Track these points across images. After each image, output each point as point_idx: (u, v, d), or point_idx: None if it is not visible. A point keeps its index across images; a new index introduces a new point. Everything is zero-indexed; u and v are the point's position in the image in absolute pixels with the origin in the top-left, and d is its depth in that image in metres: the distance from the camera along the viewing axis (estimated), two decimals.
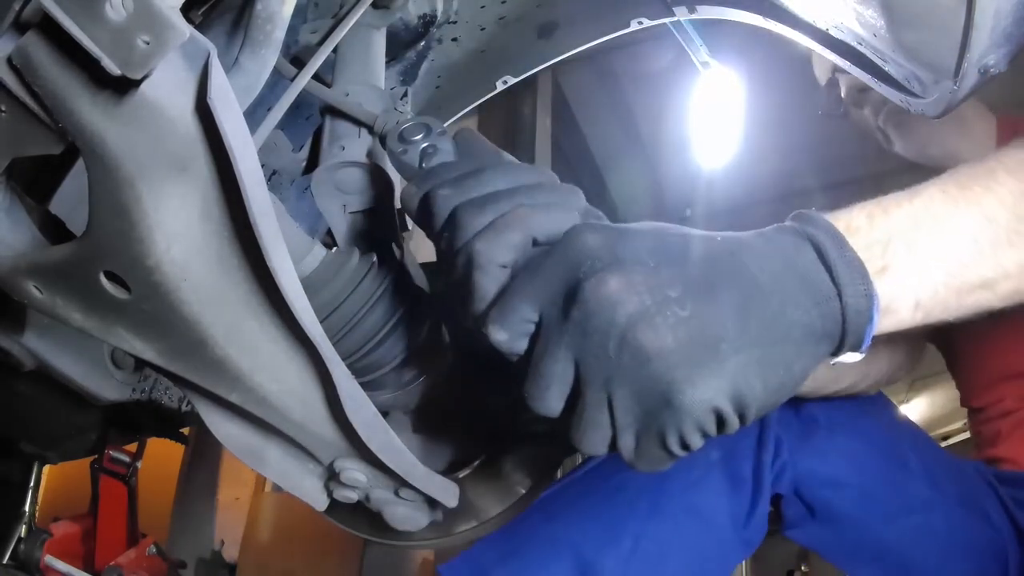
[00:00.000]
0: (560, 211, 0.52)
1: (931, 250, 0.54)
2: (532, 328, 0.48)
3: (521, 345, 0.48)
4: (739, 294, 0.46)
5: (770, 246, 0.49)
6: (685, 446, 0.45)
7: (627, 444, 0.46)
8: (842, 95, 1.43)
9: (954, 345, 1.30)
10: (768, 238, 0.50)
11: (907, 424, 1.16)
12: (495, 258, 0.49)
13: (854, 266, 0.49)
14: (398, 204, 0.75)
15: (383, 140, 0.66)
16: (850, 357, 0.52)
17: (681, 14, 1.09)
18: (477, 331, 0.50)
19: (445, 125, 0.63)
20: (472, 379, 0.75)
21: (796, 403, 1.06)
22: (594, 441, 0.46)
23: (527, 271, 0.48)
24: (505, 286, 0.49)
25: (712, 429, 0.44)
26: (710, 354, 0.43)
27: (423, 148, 0.61)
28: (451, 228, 0.52)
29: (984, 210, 0.57)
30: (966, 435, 1.38)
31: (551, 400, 0.47)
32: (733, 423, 0.44)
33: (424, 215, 0.55)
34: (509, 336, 0.48)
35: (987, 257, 0.56)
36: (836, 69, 1.43)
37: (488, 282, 0.49)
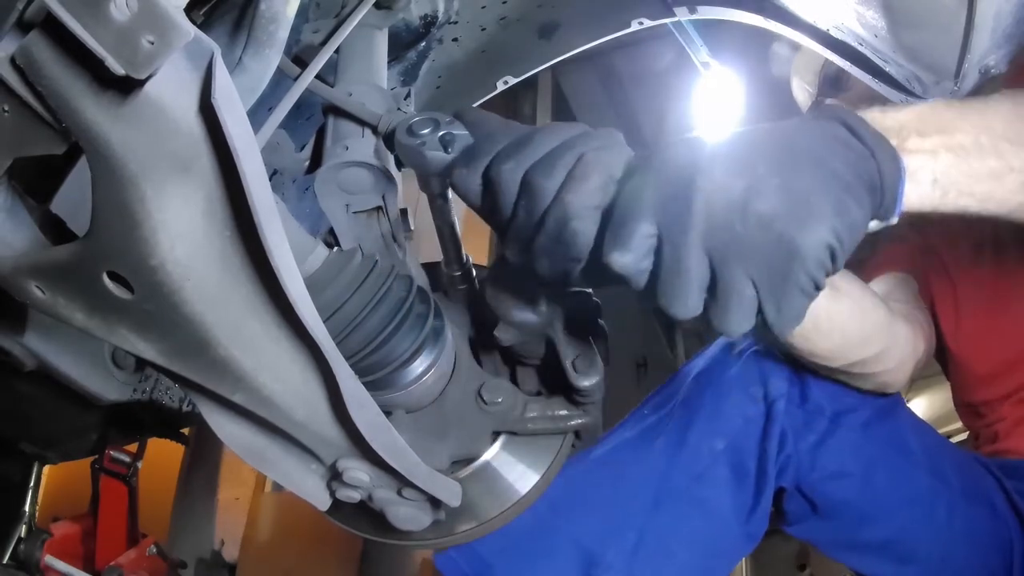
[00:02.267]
0: (615, 149, 0.57)
1: (939, 139, 0.63)
2: (653, 242, 0.52)
3: (647, 262, 0.52)
4: (806, 159, 0.53)
5: (811, 124, 0.57)
6: (816, 286, 0.51)
7: (771, 307, 0.51)
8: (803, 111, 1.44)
9: (944, 347, 1.29)
10: (807, 121, 0.58)
11: (910, 415, 1.15)
12: (589, 202, 0.53)
13: (878, 136, 0.58)
14: (401, 203, 0.75)
15: (390, 137, 0.66)
16: (887, 221, 0.60)
17: (681, 14, 1.09)
18: (589, 276, 0.56)
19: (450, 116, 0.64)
20: (475, 378, 0.75)
21: (803, 393, 1.05)
22: (741, 318, 0.52)
23: (628, 195, 0.53)
24: (607, 220, 0.53)
25: (829, 263, 0.51)
26: (808, 207, 0.50)
27: (441, 136, 0.62)
28: (528, 195, 0.55)
29: (984, 118, 0.67)
30: (967, 435, 1.37)
31: (692, 297, 0.52)
32: (840, 254, 0.52)
33: (491, 193, 0.58)
34: (634, 256, 0.51)
35: (989, 151, 0.65)
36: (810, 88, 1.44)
37: (589, 226, 0.54)
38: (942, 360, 1.33)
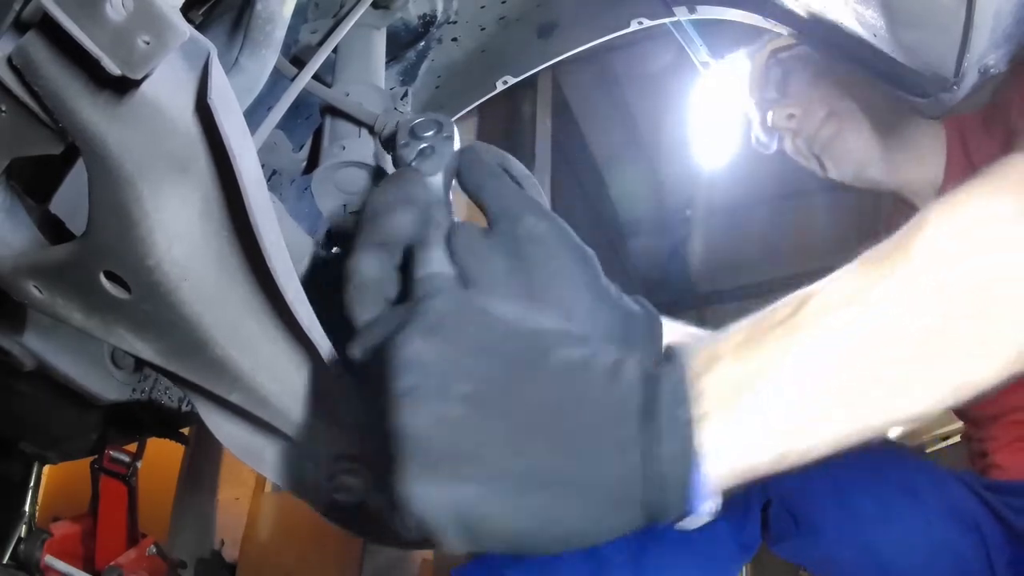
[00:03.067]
0: None
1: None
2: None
3: None
4: (534, 424, 0.39)
5: (601, 381, 0.40)
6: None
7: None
8: (770, 125, 1.37)
9: None
10: (605, 371, 0.41)
11: (882, 438, 1.15)
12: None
13: (679, 428, 0.39)
14: None
15: (391, 137, 0.65)
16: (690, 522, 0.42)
17: (681, 14, 1.09)
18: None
19: (454, 123, 0.62)
20: None
21: None
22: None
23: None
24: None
25: (417, 535, 0.39)
26: (456, 468, 0.38)
27: (422, 148, 0.61)
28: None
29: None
30: (960, 437, 1.37)
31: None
32: (447, 543, 0.39)
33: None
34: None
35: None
36: (764, 99, 1.38)
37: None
38: None
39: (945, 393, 0.43)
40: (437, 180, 0.57)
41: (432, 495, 0.38)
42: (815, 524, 1.06)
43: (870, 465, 1.06)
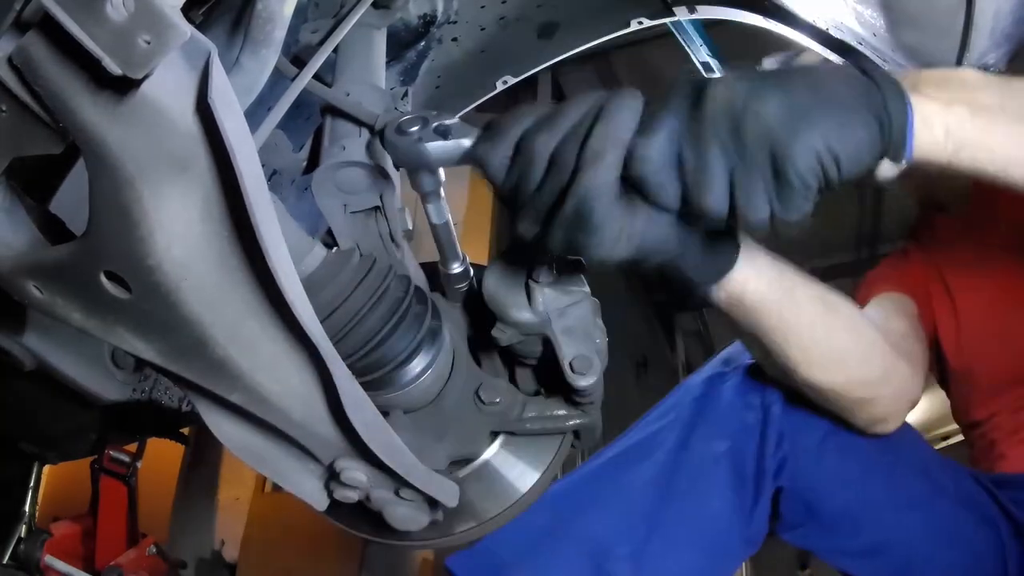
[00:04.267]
0: (626, 112, 0.60)
1: (957, 94, 0.66)
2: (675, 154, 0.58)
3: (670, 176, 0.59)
4: (815, 84, 0.60)
5: (822, 63, 0.66)
6: (807, 185, 0.58)
7: (772, 201, 0.59)
8: None
9: (945, 364, 1.29)
10: (847, 73, 0.64)
11: (903, 425, 1.15)
12: (603, 180, 0.58)
13: (887, 75, 0.62)
14: (398, 203, 0.75)
15: (381, 137, 0.66)
16: (899, 162, 0.63)
17: (681, 14, 1.09)
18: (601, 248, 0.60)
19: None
20: (473, 378, 0.75)
21: (800, 400, 1.04)
22: (758, 205, 0.58)
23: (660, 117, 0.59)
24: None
25: (817, 170, 0.58)
26: (805, 117, 0.57)
27: (435, 127, 0.62)
28: (556, 169, 0.59)
29: (1011, 88, 0.69)
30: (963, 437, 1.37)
31: (717, 189, 0.58)
32: (831, 170, 0.58)
33: (521, 166, 0.60)
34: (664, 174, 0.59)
35: (1013, 116, 0.66)
36: None
37: (604, 205, 0.59)
38: (943, 380, 1.32)
39: None
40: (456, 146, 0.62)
41: (811, 136, 0.57)
42: (831, 511, 1.05)
43: (886, 453, 1.05)
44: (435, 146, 0.63)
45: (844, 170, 0.59)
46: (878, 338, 0.96)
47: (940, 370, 1.30)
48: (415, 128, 0.63)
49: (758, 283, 0.77)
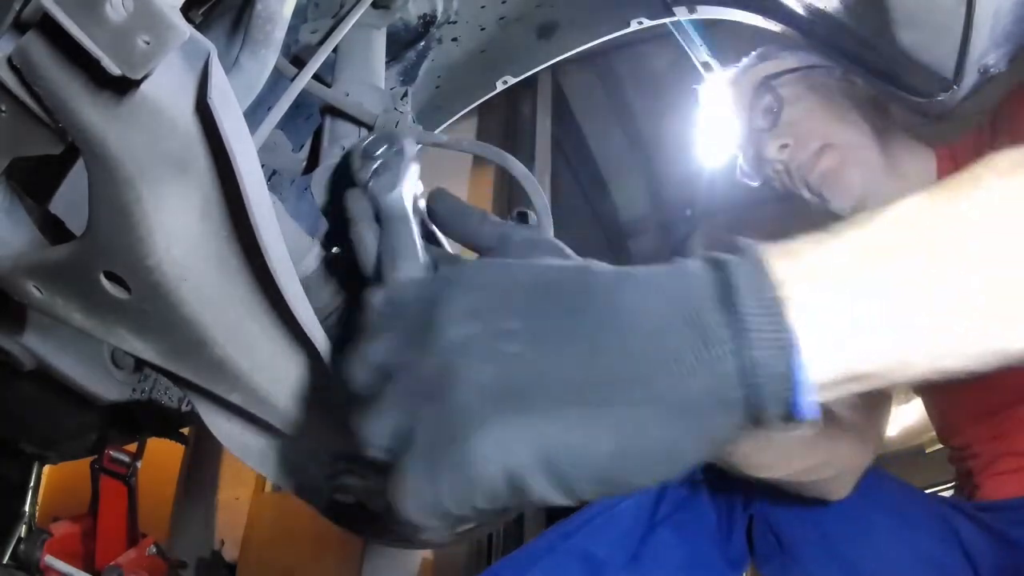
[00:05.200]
0: None
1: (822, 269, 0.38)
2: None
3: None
4: (595, 339, 0.36)
5: (657, 280, 0.38)
6: (464, 508, 0.36)
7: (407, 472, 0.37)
8: (759, 156, 1.28)
9: (926, 391, 1.28)
10: (660, 271, 0.39)
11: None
12: None
13: (768, 304, 0.35)
14: None
15: (349, 162, 0.60)
16: (790, 427, 0.37)
17: (681, 14, 1.09)
18: None
19: (407, 138, 0.57)
20: None
21: None
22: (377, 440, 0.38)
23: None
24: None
25: (503, 493, 0.35)
26: (528, 403, 0.35)
27: (375, 168, 0.57)
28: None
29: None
30: None
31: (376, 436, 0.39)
32: (539, 492, 0.35)
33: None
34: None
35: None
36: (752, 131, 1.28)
37: None
38: (928, 407, 1.32)
39: None
40: (397, 196, 0.54)
41: (511, 441, 0.34)
42: (795, 543, 1.06)
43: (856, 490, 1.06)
44: (396, 195, 0.54)
45: (584, 490, 0.36)
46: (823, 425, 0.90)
47: (922, 395, 1.30)
48: (381, 150, 0.57)
49: None
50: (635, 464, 0.36)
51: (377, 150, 0.57)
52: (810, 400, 0.36)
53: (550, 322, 0.37)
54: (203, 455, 3.45)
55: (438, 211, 0.55)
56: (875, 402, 1.08)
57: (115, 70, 0.40)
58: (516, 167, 0.78)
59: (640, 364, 0.35)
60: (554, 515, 1.19)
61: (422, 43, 1.05)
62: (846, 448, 0.96)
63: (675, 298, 0.36)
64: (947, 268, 0.38)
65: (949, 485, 1.47)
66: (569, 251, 0.50)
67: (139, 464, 2.49)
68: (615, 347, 0.36)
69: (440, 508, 0.36)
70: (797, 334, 0.35)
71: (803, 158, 1.22)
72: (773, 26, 1.00)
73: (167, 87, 0.44)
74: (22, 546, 2.01)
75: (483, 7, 1.08)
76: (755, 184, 1.35)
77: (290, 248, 0.50)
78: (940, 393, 1.25)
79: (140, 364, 0.97)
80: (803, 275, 0.37)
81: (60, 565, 2.04)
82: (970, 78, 0.82)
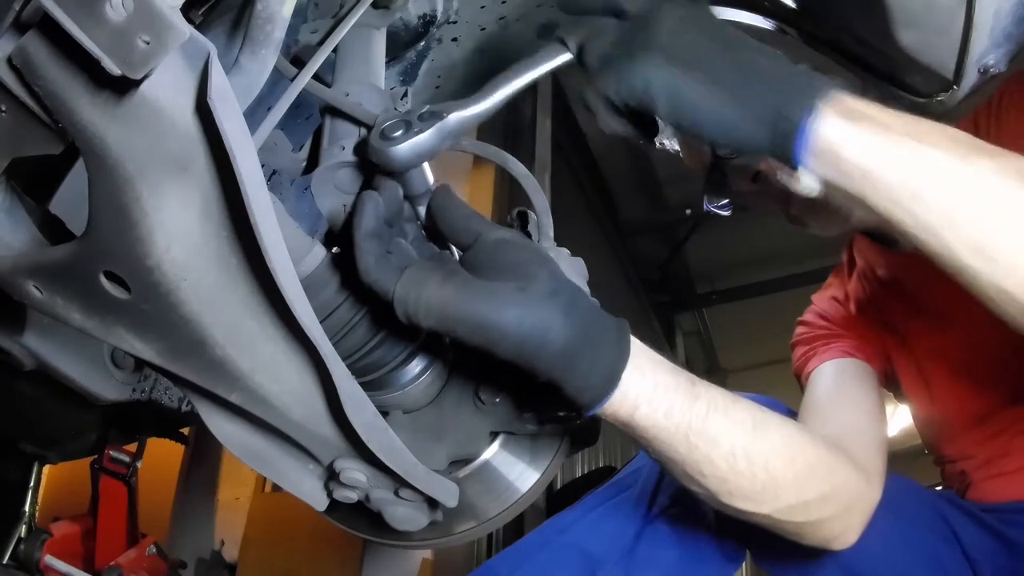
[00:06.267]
0: None
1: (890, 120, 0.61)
2: None
3: None
4: (739, 56, 0.62)
5: (784, 59, 0.63)
6: (615, 102, 0.64)
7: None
8: (728, 185, 1.18)
9: (915, 400, 1.27)
10: (787, 66, 0.63)
11: None
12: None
13: (816, 80, 0.61)
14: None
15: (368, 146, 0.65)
16: (806, 177, 0.62)
17: None
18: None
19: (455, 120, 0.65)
20: (472, 378, 0.75)
21: None
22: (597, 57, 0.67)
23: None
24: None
25: (640, 98, 0.62)
26: (685, 62, 0.61)
27: (415, 128, 0.63)
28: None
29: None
30: None
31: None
32: (660, 108, 0.62)
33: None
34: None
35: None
36: (715, 156, 1.14)
37: None
38: (916, 419, 1.31)
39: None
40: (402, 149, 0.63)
41: (663, 72, 0.61)
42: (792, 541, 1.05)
43: None
44: (402, 148, 0.63)
45: (670, 109, 0.61)
46: (818, 456, 0.82)
47: (911, 408, 1.29)
48: (398, 132, 0.63)
49: (651, 410, 0.65)
50: (710, 116, 0.61)
51: (395, 131, 0.63)
52: (803, 149, 0.60)
53: (721, 37, 0.63)
54: (203, 455, 3.46)
55: (435, 201, 0.67)
56: (878, 433, 1.05)
57: (115, 70, 0.40)
58: (516, 167, 0.78)
59: (753, 74, 0.61)
60: (553, 513, 1.19)
61: (422, 43, 1.05)
62: (849, 486, 0.86)
63: (786, 66, 0.63)
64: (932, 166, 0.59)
65: None
66: (542, 250, 0.64)
67: (139, 464, 2.49)
68: (750, 61, 0.62)
69: (612, 92, 0.64)
70: (820, 106, 0.60)
71: (779, 187, 1.18)
72: (772, 26, 1.00)
73: (167, 87, 0.44)
74: (22, 546, 2.01)
75: (483, 7, 1.08)
76: (726, 214, 1.29)
77: (290, 248, 0.50)
78: (931, 402, 1.24)
79: (140, 364, 0.97)
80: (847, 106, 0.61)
81: (60, 565, 2.04)
82: (970, 78, 0.82)
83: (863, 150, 0.59)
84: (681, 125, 0.62)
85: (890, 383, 1.28)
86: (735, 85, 0.60)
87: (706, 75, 0.61)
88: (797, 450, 0.78)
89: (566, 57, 0.72)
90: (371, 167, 0.67)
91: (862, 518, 0.90)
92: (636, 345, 0.65)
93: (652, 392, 0.65)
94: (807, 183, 0.61)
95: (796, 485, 0.78)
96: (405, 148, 0.63)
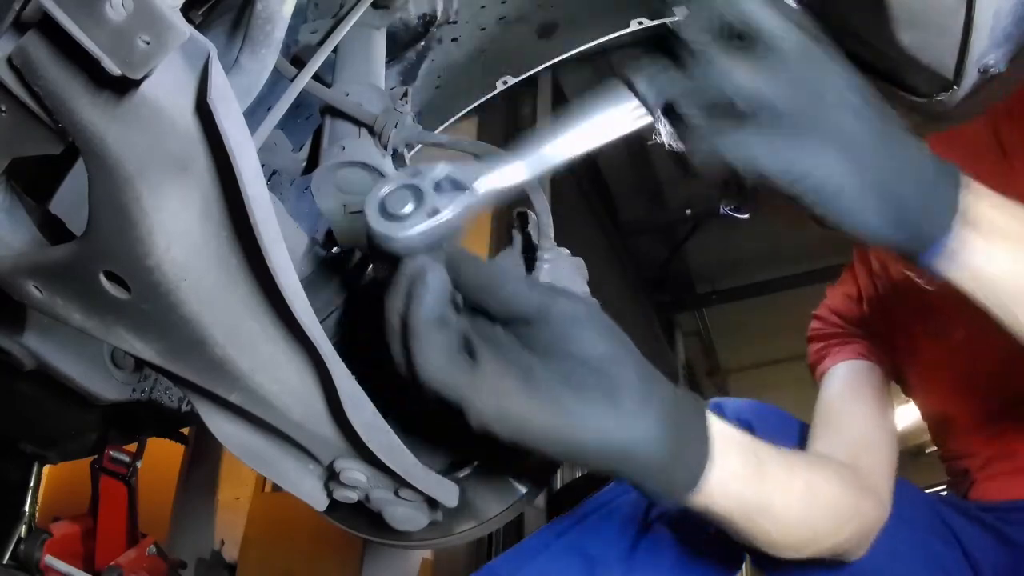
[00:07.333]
0: None
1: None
2: None
3: None
4: (859, 109, 0.57)
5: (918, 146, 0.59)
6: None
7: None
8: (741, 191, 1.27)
9: (922, 394, 1.28)
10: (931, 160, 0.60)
11: None
12: None
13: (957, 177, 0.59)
14: None
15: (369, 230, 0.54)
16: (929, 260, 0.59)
17: (681, 14, 1.09)
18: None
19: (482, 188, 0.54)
20: None
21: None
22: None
23: None
24: None
25: (770, 183, 0.57)
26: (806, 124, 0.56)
27: (437, 182, 0.51)
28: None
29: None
30: None
31: None
32: (792, 193, 0.57)
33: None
34: None
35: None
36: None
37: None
38: (923, 411, 1.31)
39: None
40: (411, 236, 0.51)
41: (828, 160, 0.55)
42: None
43: None
44: (417, 235, 0.50)
45: (811, 205, 0.56)
46: (849, 504, 0.87)
47: (918, 406, 1.30)
48: (407, 208, 0.51)
49: (724, 503, 0.63)
50: (806, 181, 0.56)
51: (402, 207, 0.51)
52: (949, 242, 0.58)
53: (875, 128, 0.57)
54: (203, 455, 3.45)
55: (468, 269, 0.55)
56: (890, 451, 1.10)
57: (115, 70, 0.40)
58: None
59: (882, 142, 0.58)
60: (554, 515, 1.19)
61: (422, 43, 1.05)
62: (868, 515, 0.92)
63: (919, 150, 0.59)
64: None
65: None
66: (619, 332, 0.59)
67: (139, 464, 2.49)
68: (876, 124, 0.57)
69: (749, 167, 0.57)
70: (963, 221, 0.58)
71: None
72: None
73: (167, 87, 0.44)
74: (22, 546, 2.02)
75: (483, 7, 1.08)
76: (743, 218, 1.32)
77: (290, 248, 0.50)
78: (937, 396, 1.25)
79: (140, 364, 0.97)
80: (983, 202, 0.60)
81: (60, 565, 2.04)
82: (970, 78, 0.82)
83: (996, 271, 0.60)
84: (812, 211, 0.57)
85: (898, 379, 1.28)
86: (885, 182, 0.56)
87: (861, 168, 0.56)
88: (840, 503, 0.85)
89: (645, 120, 0.62)
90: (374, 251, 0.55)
91: (873, 536, 0.96)
92: (713, 429, 0.61)
93: (726, 486, 0.62)
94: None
95: (834, 534, 0.85)
96: (419, 237, 0.50)
